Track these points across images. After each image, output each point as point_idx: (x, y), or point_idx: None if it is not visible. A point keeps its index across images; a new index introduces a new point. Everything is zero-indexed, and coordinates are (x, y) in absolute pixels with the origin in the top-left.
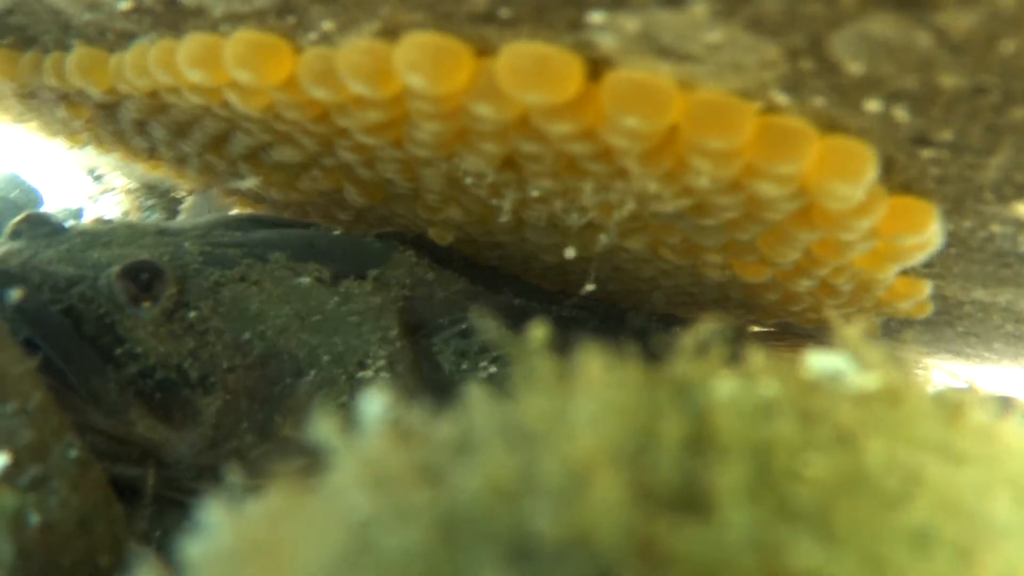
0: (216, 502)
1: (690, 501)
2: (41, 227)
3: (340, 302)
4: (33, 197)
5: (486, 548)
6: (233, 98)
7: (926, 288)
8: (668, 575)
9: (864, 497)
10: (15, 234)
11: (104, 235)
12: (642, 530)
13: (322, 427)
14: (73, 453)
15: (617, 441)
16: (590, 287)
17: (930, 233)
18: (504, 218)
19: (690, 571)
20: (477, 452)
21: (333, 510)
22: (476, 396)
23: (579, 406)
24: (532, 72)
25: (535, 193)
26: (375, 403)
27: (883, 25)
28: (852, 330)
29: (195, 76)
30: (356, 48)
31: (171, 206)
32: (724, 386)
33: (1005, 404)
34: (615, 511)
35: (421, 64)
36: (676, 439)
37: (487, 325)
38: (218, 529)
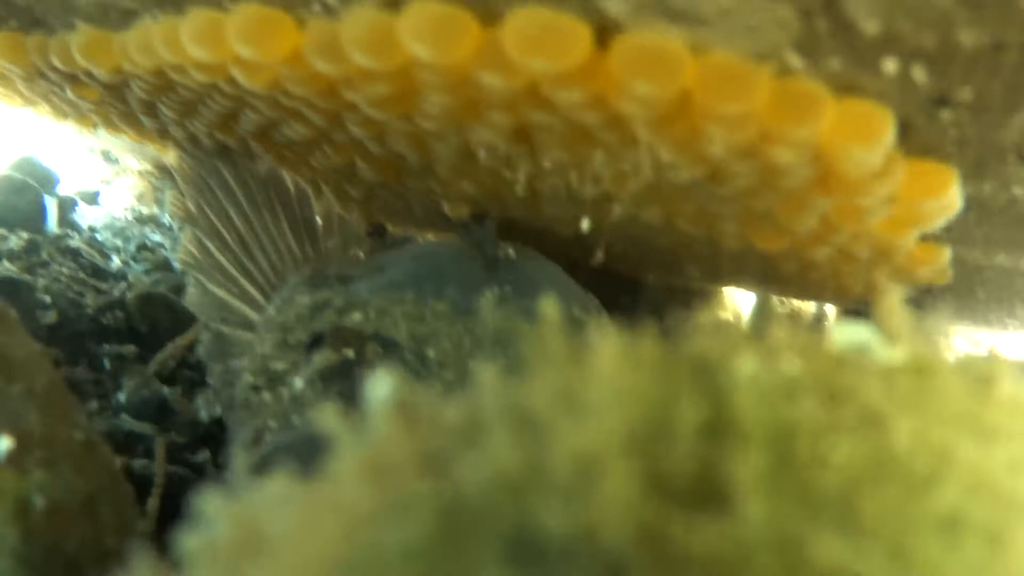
0: (215, 491)
1: (707, 492)
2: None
3: None
4: (49, 180)
5: (490, 545)
6: (238, 74)
7: (946, 254)
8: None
9: (892, 482)
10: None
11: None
12: (655, 526)
13: (324, 414)
14: (79, 435)
15: (630, 428)
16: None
17: (950, 197)
18: (518, 190)
19: (705, 571)
20: (483, 440)
21: (333, 502)
22: (485, 376)
23: (590, 390)
24: (539, 39)
25: (548, 165)
26: (382, 385)
27: None
28: (890, 298)
29: (198, 53)
30: (359, 19)
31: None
32: (745, 365)
33: None
34: (626, 506)
35: (426, 33)
36: (693, 424)
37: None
38: (216, 521)
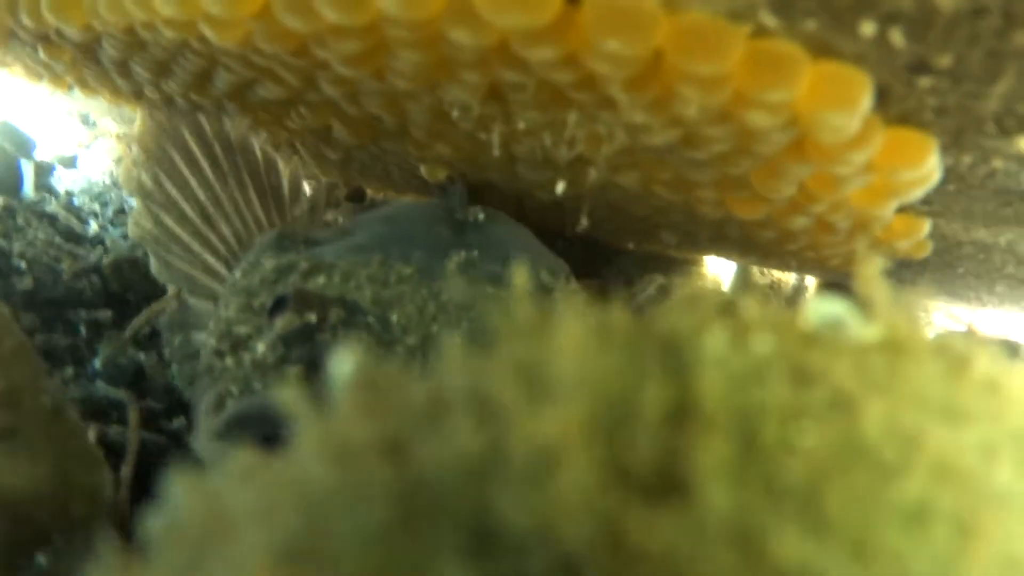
0: (181, 471)
1: (669, 481)
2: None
3: None
4: (26, 144)
5: (448, 534)
6: (208, 31)
7: (925, 227)
8: (638, 572)
9: (859, 470)
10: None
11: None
12: (613, 520)
13: (286, 392)
14: (46, 401)
15: (593, 413)
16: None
17: (928, 167)
18: (495, 152)
19: (662, 568)
20: (445, 424)
21: (294, 483)
22: (451, 353)
23: (554, 370)
24: None
25: (522, 126)
26: (345, 363)
27: None
28: (869, 267)
29: (168, 10)
30: None
31: None
32: (713, 343)
33: (1010, 349)
34: (585, 498)
35: None
36: (657, 409)
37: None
38: (181, 502)
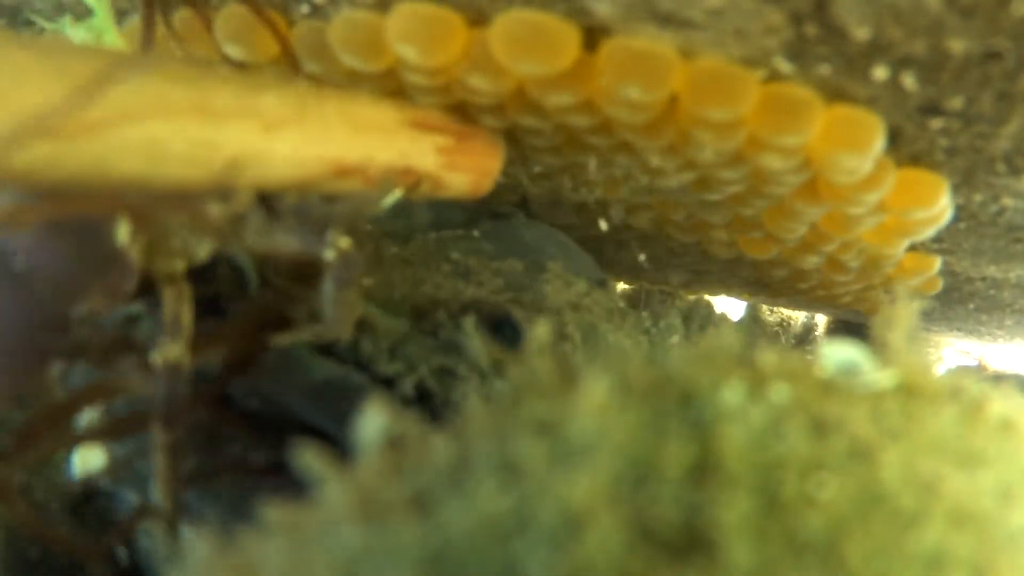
0: (204, 533)
1: (693, 538)
2: None
3: None
4: None
5: None
6: None
7: (936, 264)
8: None
9: (878, 520)
10: None
11: None
12: None
13: (308, 456)
14: None
15: (616, 473)
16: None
17: (940, 206)
18: (509, 196)
19: None
20: (470, 484)
21: (323, 543)
22: (473, 412)
23: (577, 429)
24: (526, 41)
25: (537, 169)
26: (374, 420)
27: None
28: (896, 312)
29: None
30: (348, 20)
31: None
32: (731, 396)
33: (1022, 385)
34: (611, 558)
35: (413, 35)
36: (679, 466)
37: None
38: (206, 559)
